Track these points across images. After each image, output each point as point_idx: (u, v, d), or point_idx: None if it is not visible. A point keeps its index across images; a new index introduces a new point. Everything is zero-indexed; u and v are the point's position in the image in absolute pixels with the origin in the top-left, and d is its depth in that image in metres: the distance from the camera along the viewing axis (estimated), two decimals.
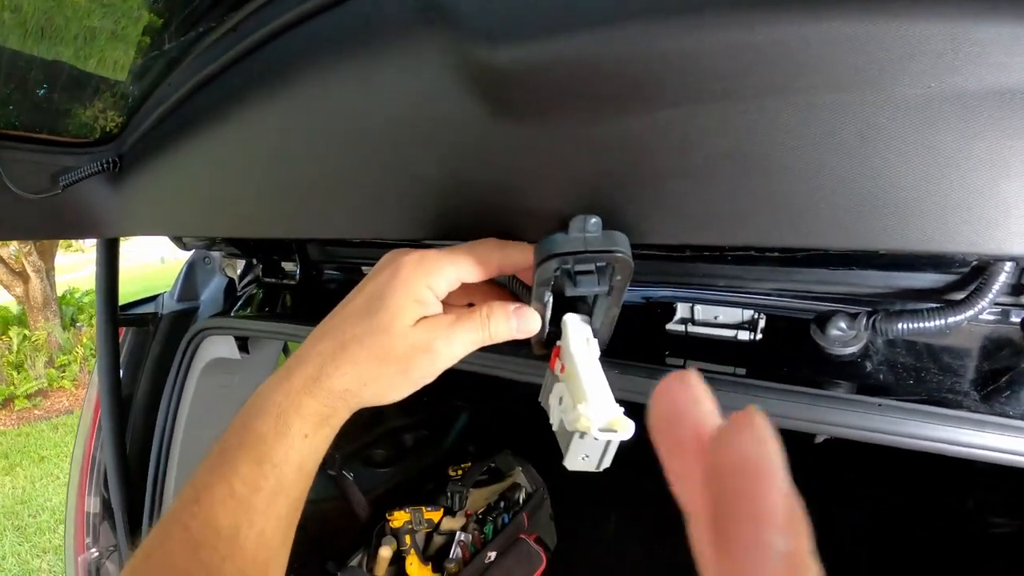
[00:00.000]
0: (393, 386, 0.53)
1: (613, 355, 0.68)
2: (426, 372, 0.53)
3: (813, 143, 0.43)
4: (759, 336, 0.68)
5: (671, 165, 0.47)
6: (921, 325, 0.63)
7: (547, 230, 0.52)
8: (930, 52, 0.39)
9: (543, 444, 0.78)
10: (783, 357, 0.68)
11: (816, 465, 1.47)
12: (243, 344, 1.30)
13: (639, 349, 0.67)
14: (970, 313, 0.63)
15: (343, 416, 0.54)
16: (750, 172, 0.45)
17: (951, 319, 0.63)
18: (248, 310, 1.30)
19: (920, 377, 0.65)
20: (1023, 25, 0.37)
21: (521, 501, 1.94)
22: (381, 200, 0.66)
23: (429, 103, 0.56)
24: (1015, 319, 0.68)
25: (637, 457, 0.53)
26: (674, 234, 0.50)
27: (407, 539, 1.73)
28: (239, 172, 0.82)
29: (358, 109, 0.63)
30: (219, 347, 1.35)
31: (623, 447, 0.47)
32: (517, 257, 0.55)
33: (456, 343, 0.53)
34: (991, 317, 0.68)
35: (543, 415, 0.56)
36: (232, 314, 1.32)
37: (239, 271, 1.39)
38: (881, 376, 0.65)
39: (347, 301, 0.56)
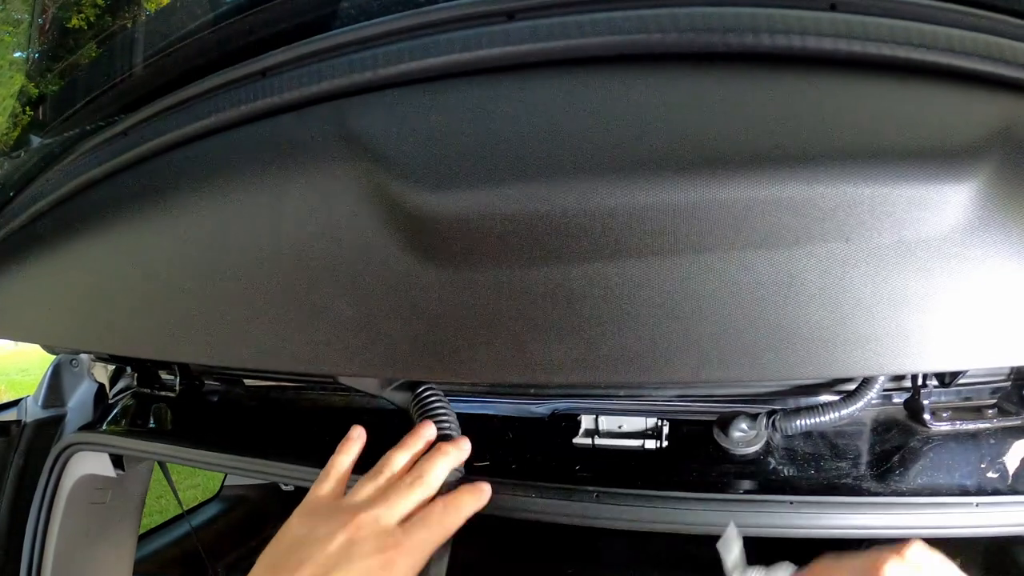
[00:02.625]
0: None
1: (525, 476, 0.67)
2: None
3: (738, 292, 0.46)
4: (665, 443, 0.69)
5: (600, 312, 0.48)
6: (818, 420, 0.66)
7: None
8: (852, 213, 0.44)
9: None
10: (690, 462, 0.69)
11: None
12: (117, 461, 1.19)
13: (549, 468, 0.67)
14: (861, 404, 0.66)
15: None
16: (676, 318, 0.47)
17: (844, 411, 0.66)
18: (122, 422, 1.19)
19: (820, 467, 0.68)
20: (922, 187, 0.43)
21: None
22: (283, 331, 0.62)
23: (341, 235, 0.54)
24: (897, 400, 0.73)
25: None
26: (604, 375, 0.51)
27: None
28: (121, 286, 0.75)
29: (263, 234, 0.60)
30: (90, 463, 1.23)
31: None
32: None
33: None
34: (876, 400, 0.72)
35: None
36: (104, 427, 1.21)
37: (109, 376, 1.29)
38: (785, 470, 0.67)
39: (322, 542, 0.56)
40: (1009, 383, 0.72)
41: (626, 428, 0.71)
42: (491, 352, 0.51)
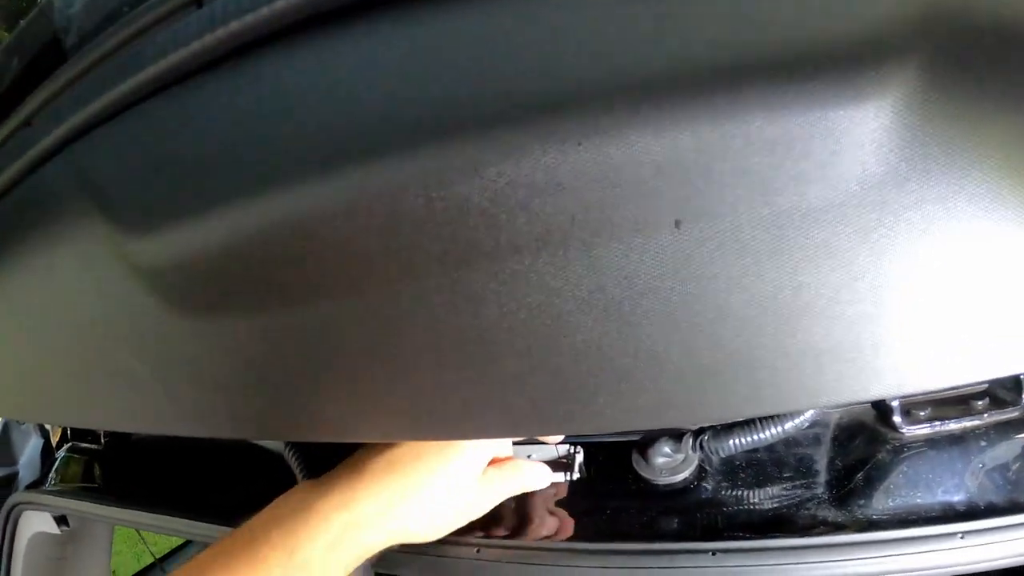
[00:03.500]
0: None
1: None
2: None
3: (505, 324, 0.34)
4: (576, 475, 0.57)
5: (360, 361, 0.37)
6: (756, 438, 0.54)
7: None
8: (675, 178, 0.30)
9: None
10: (608, 498, 0.57)
11: None
12: (61, 518, 1.13)
13: None
14: (808, 415, 0.54)
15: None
16: (452, 363, 0.35)
17: (788, 425, 0.54)
18: (62, 479, 1.13)
19: (767, 493, 0.56)
20: (801, 118, 0.29)
21: None
22: (100, 390, 0.54)
23: (105, 293, 0.47)
24: None
25: None
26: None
27: None
28: None
29: (49, 295, 0.53)
30: (39, 521, 1.19)
31: None
32: None
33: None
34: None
35: None
36: (48, 484, 1.15)
37: (54, 429, 1.23)
38: (722, 502, 0.55)
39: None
40: None
41: (536, 457, 0.59)
42: (271, 409, 0.41)
